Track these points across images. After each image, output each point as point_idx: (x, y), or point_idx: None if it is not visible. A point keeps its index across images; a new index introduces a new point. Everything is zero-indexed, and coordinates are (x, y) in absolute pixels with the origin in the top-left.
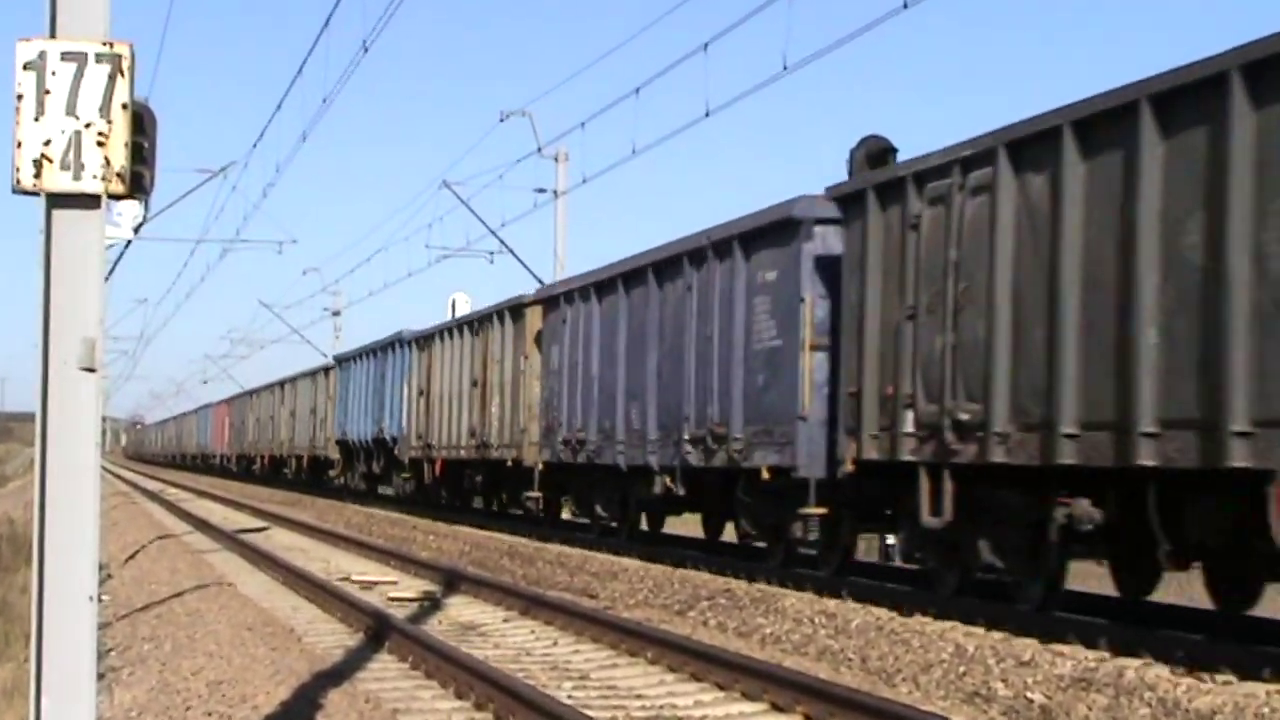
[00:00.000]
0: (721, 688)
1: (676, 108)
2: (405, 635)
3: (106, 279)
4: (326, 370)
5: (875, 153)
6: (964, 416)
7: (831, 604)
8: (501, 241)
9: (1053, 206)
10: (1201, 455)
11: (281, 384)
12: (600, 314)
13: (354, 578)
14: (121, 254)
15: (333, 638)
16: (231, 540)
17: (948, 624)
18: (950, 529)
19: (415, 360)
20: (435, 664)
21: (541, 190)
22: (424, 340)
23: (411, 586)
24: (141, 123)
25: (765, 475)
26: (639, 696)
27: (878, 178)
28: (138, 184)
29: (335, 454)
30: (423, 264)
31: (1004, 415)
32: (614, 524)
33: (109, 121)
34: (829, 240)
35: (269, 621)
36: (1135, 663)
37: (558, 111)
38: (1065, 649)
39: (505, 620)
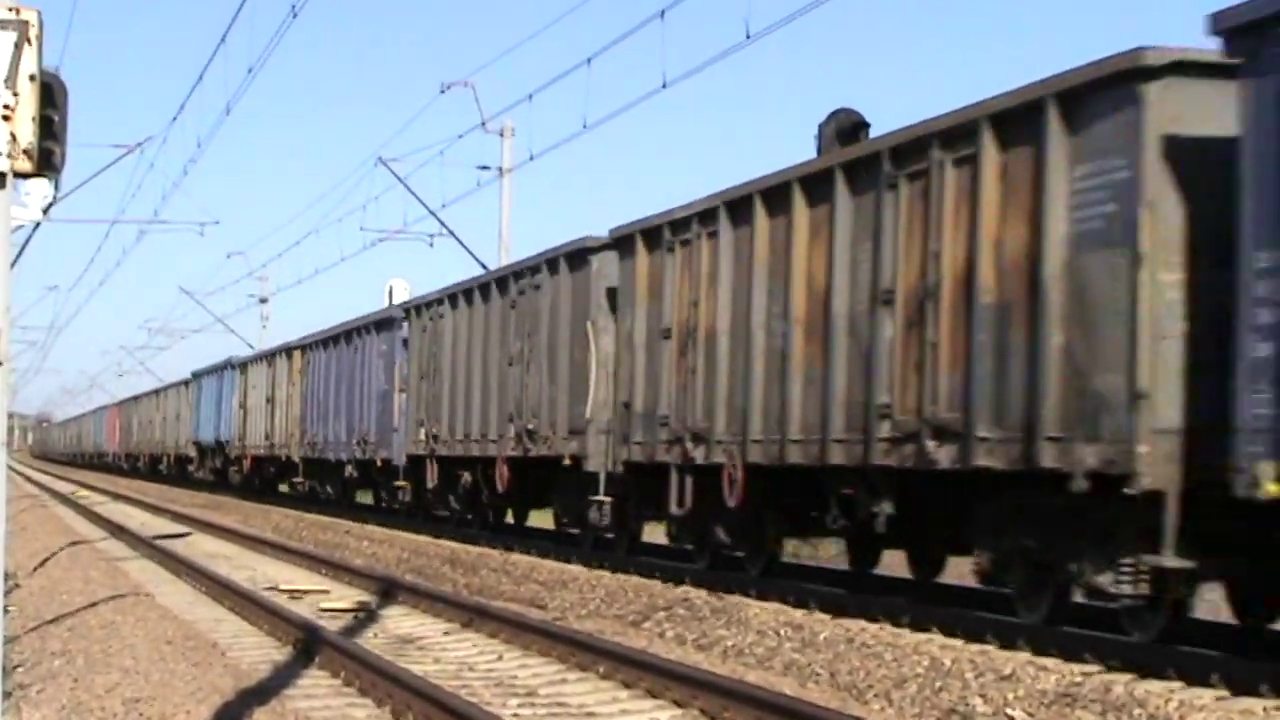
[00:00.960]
0: (680, 705)
1: (632, 79)
2: (338, 649)
3: (13, 265)
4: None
5: (846, 128)
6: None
7: (798, 615)
8: (442, 223)
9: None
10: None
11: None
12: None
13: (282, 587)
14: (29, 237)
15: (259, 652)
16: (150, 547)
17: (923, 636)
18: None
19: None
20: (370, 680)
21: (485, 168)
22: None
23: (345, 596)
24: (51, 95)
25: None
26: (590, 715)
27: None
28: (47, 161)
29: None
30: (357, 247)
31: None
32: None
33: (15, 94)
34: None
35: (190, 635)
36: (1124, 677)
37: (503, 83)
38: (1049, 663)
39: (446, 633)
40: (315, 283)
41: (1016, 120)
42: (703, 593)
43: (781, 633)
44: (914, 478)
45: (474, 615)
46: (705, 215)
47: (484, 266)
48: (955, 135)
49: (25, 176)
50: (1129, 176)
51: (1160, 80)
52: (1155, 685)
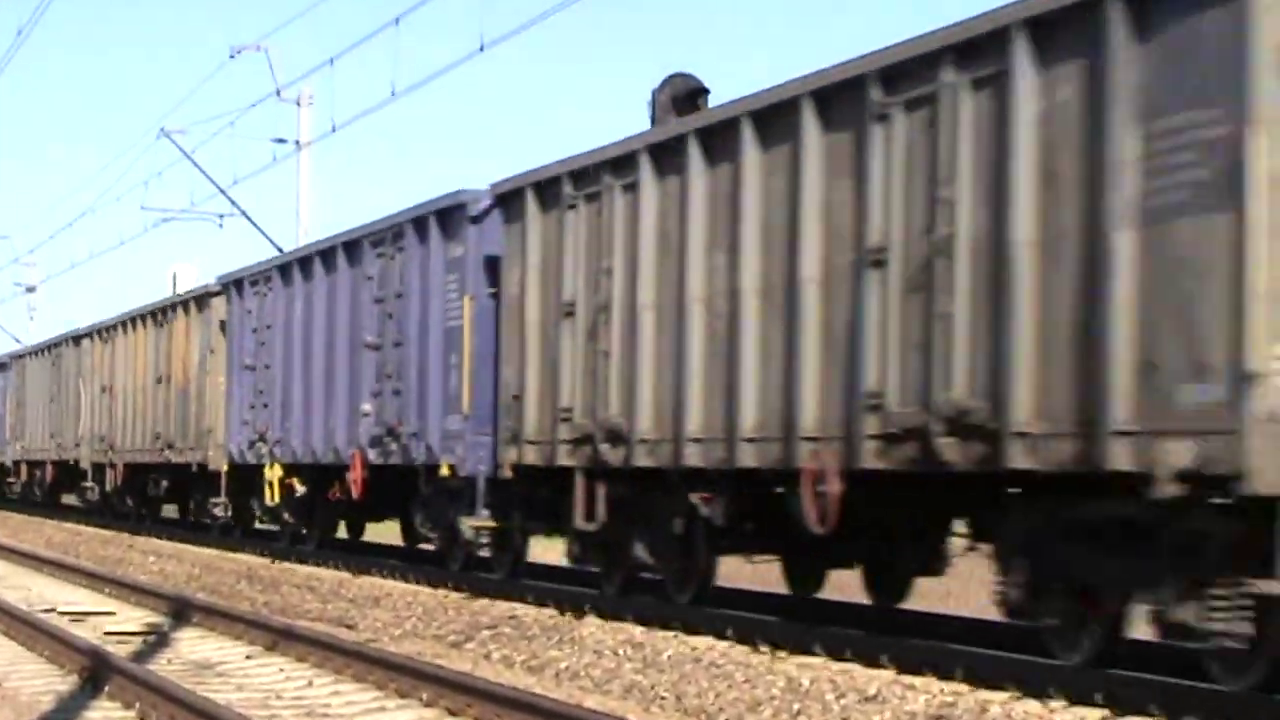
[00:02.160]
0: None
1: (445, 41)
2: (129, 677)
3: None
4: None
5: (683, 94)
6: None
7: (638, 631)
8: (232, 202)
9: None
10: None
11: None
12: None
13: (61, 608)
14: None
15: (40, 681)
16: None
17: (778, 654)
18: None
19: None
20: (167, 711)
21: (281, 140)
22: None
23: (132, 618)
24: None
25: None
26: None
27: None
28: None
29: None
30: (139, 229)
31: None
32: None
33: None
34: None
35: None
36: (1000, 696)
37: (301, 46)
38: (917, 680)
39: (248, 657)
40: (92, 269)
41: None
42: (531, 609)
43: (621, 652)
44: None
45: (279, 637)
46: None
47: (279, 250)
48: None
49: None
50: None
51: None
52: (1034, 705)
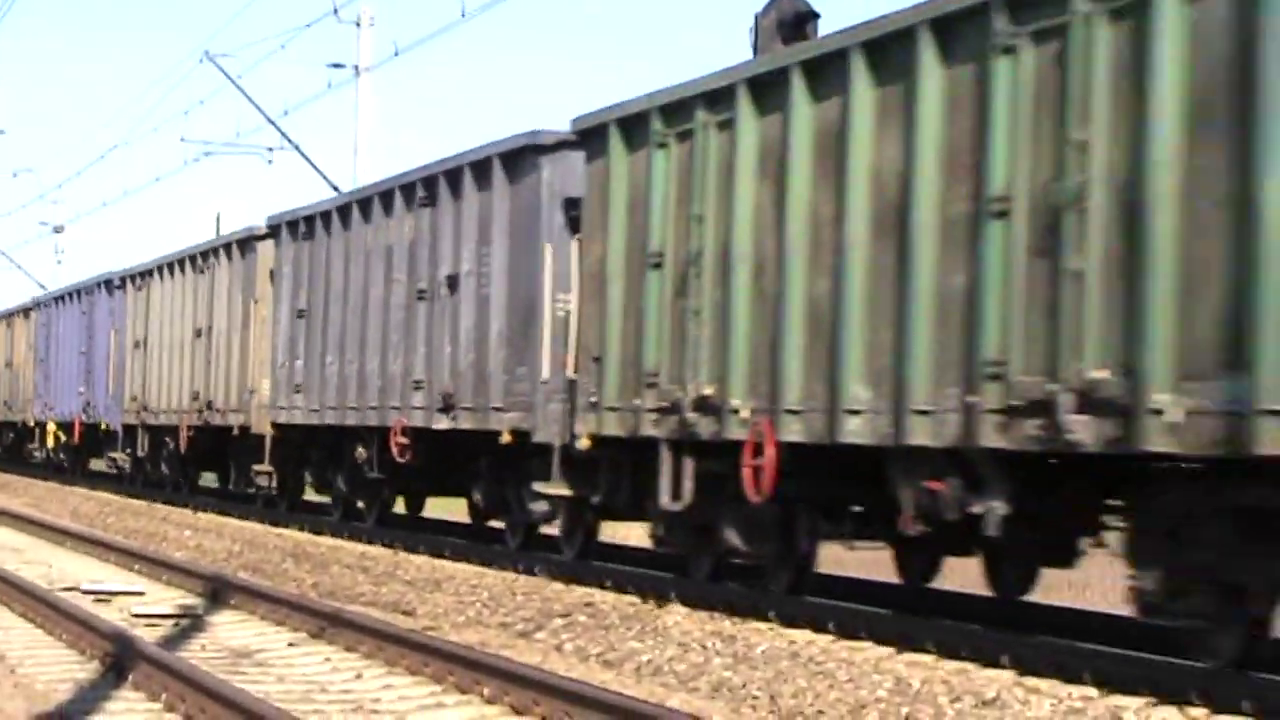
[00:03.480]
0: None
1: None
2: (156, 665)
3: None
4: None
5: (789, 19)
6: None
7: (728, 623)
8: (283, 134)
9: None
10: None
11: None
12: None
13: (85, 587)
14: None
15: (58, 668)
16: None
17: (884, 650)
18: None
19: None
20: (197, 704)
21: (338, 65)
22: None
23: (164, 599)
24: None
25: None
26: None
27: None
28: None
29: None
30: (178, 164)
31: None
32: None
33: None
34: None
35: None
36: (1134, 701)
37: None
38: (1042, 683)
39: (291, 645)
40: (124, 207)
41: None
42: (609, 596)
43: (709, 645)
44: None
45: (326, 623)
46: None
47: (335, 189)
48: None
49: None
50: None
51: None
52: (1172, 712)
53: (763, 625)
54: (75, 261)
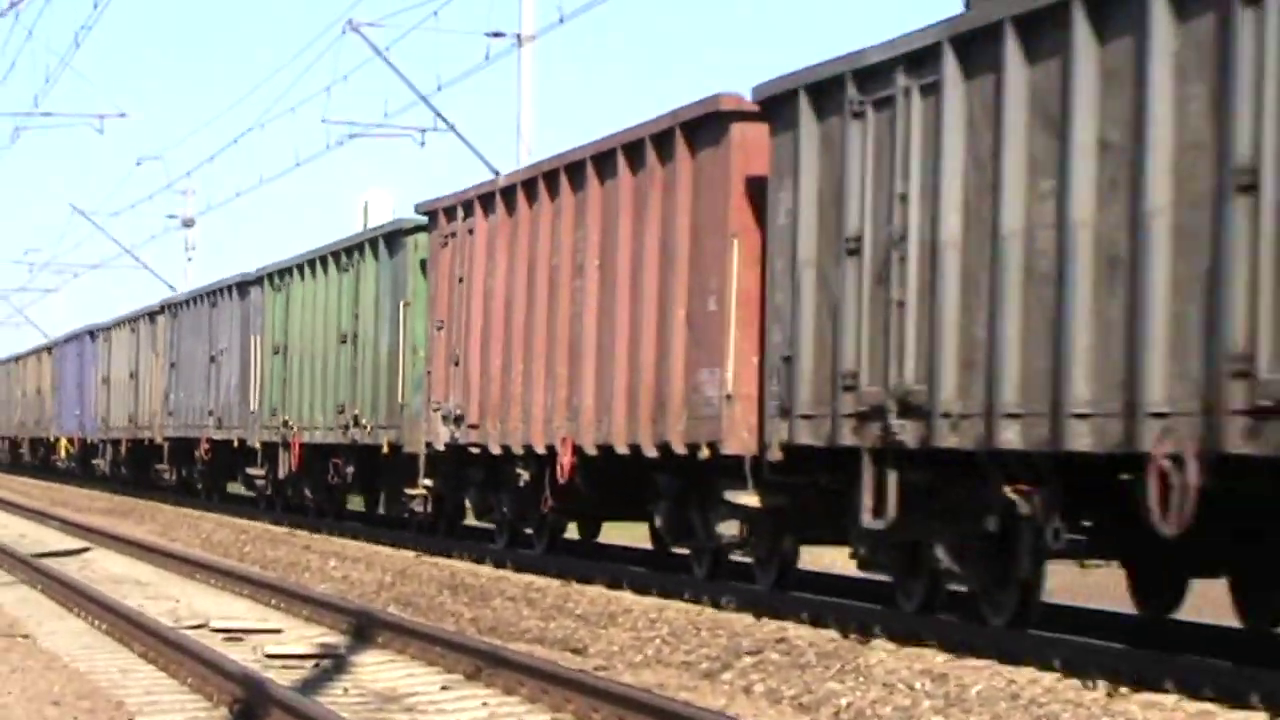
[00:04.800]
0: None
1: None
2: (290, 711)
3: None
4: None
5: None
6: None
7: (939, 660)
8: (436, 112)
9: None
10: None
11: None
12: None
13: (215, 625)
14: None
15: (180, 716)
16: (30, 569)
17: (1117, 690)
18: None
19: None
20: None
21: (497, 34)
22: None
23: (303, 637)
24: None
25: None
26: None
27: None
28: None
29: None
30: (319, 147)
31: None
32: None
33: None
34: None
35: (86, 692)
36: None
37: None
38: None
39: (445, 688)
40: (260, 196)
41: None
42: (805, 631)
43: (917, 685)
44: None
45: (484, 663)
46: (917, 59)
47: (494, 172)
48: None
49: None
50: None
51: None
52: None
53: (979, 662)
54: (206, 259)
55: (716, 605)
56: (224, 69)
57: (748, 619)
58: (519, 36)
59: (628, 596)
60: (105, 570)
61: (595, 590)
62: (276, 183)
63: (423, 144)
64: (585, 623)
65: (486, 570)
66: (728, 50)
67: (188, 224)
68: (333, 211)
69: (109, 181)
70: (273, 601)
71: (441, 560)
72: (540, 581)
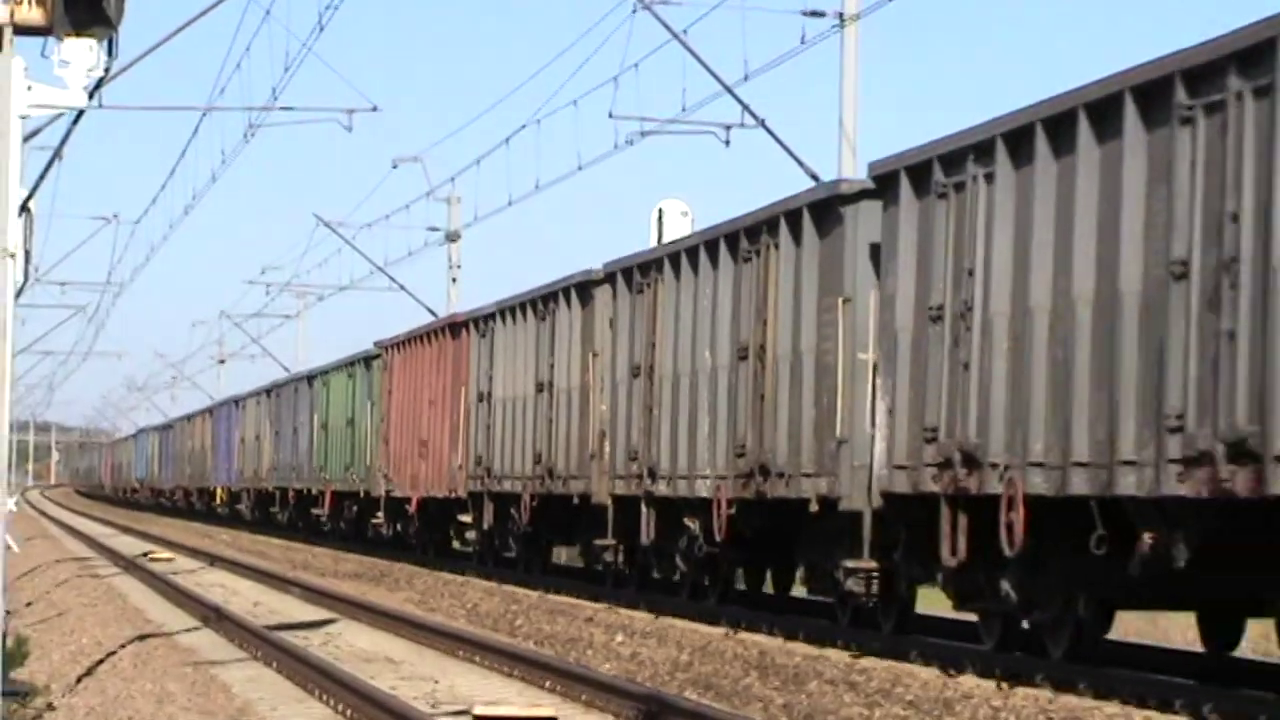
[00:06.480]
0: None
1: None
2: None
3: (40, 177)
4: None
5: None
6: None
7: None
8: (744, 106)
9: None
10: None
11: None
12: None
13: (478, 710)
14: (69, 131)
15: None
16: (265, 644)
17: None
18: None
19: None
20: None
21: (816, 14)
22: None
23: None
24: None
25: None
26: None
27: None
28: (93, 11)
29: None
30: (606, 146)
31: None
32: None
33: None
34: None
35: None
36: None
37: None
38: None
39: None
40: (533, 204)
41: None
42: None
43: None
44: None
45: None
46: (980, 149)
47: (813, 177)
48: None
49: (38, 33)
50: None
51: None
52: None
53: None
54: (473, 278)
55: (1073, 690)
56: (491, 56)
57: (1111, 708)
58: (841, 16)
59: (966, 680)
60: (353, 645)
61: (929, 673)
62: (557, 186)
63: (727, 143)
64: (917, 711)
65: (800, 648)
66: (1081, 34)
67: (452, 238)
68: (622, 222)
69: (358, 185)
70: (549, 683)
71: (748, 636)
72: (864, 663)
